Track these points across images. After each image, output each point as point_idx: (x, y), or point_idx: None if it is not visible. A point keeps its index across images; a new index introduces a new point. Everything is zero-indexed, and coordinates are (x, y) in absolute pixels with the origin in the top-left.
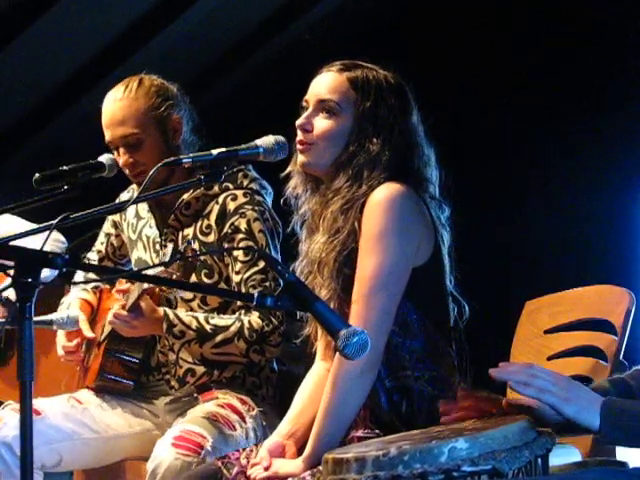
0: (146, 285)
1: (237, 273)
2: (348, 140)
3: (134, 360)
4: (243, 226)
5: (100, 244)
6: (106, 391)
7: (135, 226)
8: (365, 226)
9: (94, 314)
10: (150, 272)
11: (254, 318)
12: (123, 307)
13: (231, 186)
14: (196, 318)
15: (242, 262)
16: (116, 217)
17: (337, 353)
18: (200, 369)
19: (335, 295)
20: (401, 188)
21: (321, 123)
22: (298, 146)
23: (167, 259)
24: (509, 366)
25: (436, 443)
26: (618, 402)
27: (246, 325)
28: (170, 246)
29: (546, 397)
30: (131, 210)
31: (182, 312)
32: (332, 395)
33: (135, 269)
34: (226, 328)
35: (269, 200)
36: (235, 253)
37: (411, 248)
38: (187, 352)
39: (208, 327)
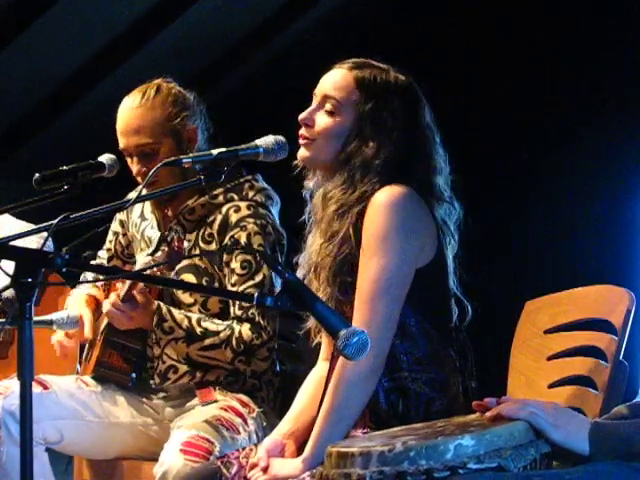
0: None
1: (232, 285)
2: (347, 139)
3: (132, 351)
4: (243, 240)
5: (109, 242)
6: (105, 381)
7: (138, 226)
8: (367, 229)
9: (100, 310)
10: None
11: (245, 329)
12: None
13: (236, 197)
14: (189, 318)
15: (238, 275)
16: (122, 216)
17: (340, 356)
18: (183, 368)
19: (332, 299)
20: (403, 190)
21: (321, 120)
22: (300, 140)
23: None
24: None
25: (442, 439)
26: (605, 425)
27: (235, 334)
28: (157, 236)
29: (537, 420)
30: (137, 210)
31: (176, 310)
32: (334, 398)
33: (136, 268)
34: (216, 333)
35: (275, 210)
36: (232, 265)
37: (414, 250)
38: (173, 349)
39: (198, 329)
